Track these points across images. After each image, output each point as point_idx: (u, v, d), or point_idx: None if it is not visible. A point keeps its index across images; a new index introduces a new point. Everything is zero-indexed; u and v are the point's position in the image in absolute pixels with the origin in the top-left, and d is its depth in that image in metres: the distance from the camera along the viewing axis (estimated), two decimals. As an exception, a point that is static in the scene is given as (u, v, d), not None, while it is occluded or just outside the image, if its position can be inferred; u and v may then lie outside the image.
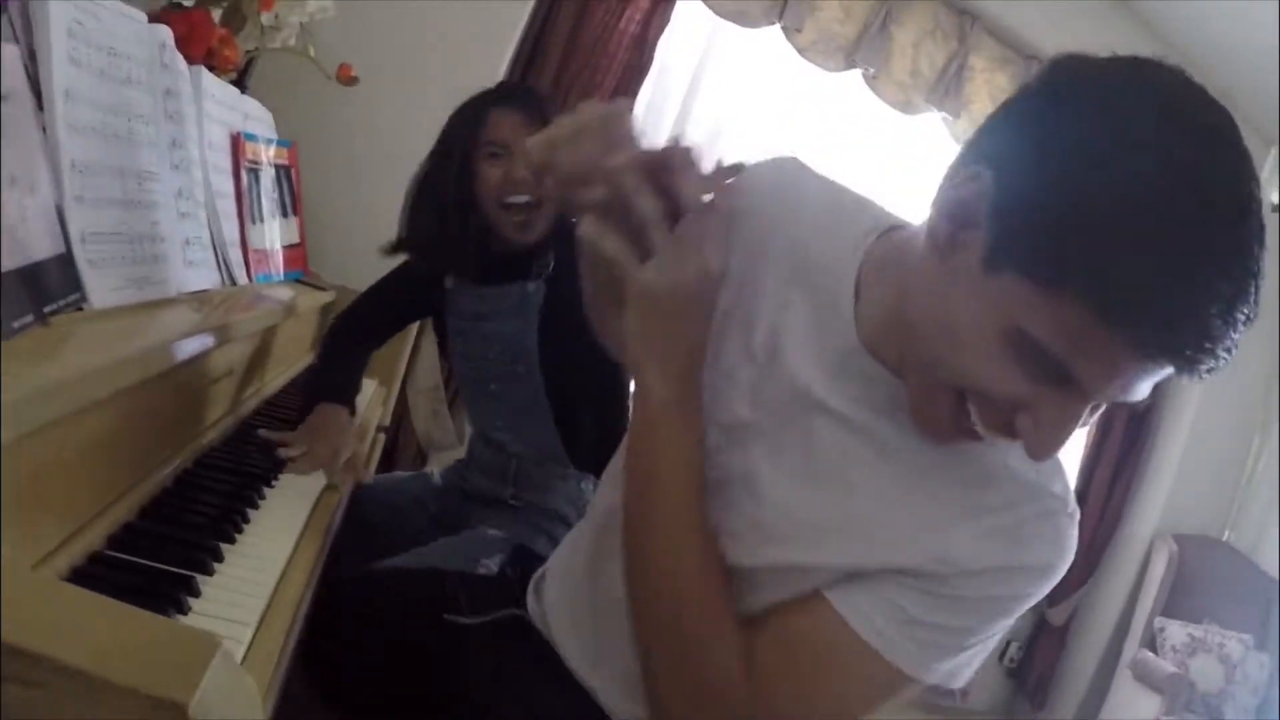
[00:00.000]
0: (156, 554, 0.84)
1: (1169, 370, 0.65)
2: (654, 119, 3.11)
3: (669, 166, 0.80)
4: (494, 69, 2.70)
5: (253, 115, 1.63)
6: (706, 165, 0.82)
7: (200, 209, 1.28)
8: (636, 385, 0.84)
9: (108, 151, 1.02)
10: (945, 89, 3.14)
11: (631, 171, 0.79)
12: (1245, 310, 0.63)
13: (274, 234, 1.61)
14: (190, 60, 1.34)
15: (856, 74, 3.12)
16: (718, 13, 2.92)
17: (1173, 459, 3.95)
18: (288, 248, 1.68)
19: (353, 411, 1.55)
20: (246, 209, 1.48)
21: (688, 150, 0.80)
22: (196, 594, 0.81)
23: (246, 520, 1.02)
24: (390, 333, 1.85)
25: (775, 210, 0.91)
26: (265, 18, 1.61)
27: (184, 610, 0.78)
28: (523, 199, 1.52)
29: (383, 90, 2.17)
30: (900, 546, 0.80)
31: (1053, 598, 4.01)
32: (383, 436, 2.13)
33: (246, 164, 1.50)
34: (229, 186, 1.44)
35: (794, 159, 0.97)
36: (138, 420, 0.93)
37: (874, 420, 0.82)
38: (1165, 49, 3.01)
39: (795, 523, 0.83)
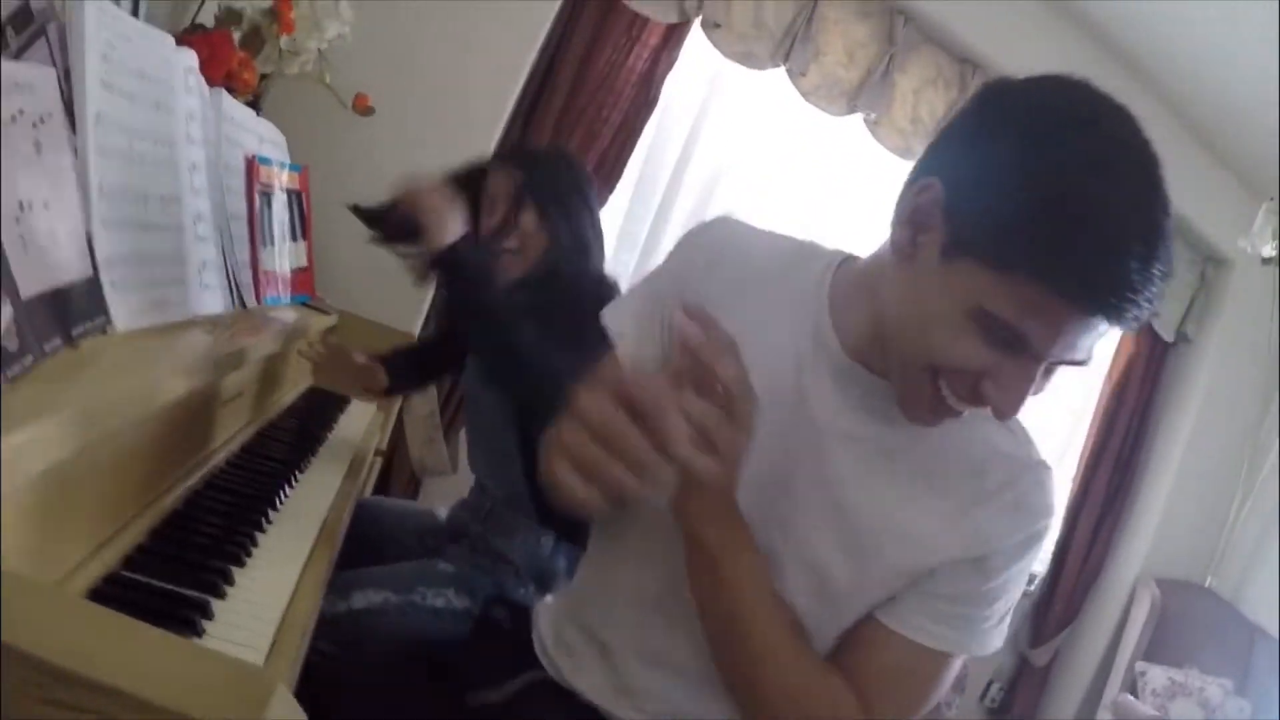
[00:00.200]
0: (168, 576, 0.85)
1: (1104, 323, 0.77)
2: (656, 155, 3.15)
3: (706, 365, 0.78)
4: (503, 103, 2.73)
5: (267, 138, 1.65)
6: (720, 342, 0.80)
7: (215, 232, 1.29)
8: (688, 537, 0.89)
9: (134, 175, 1.03)
10: (944, 136, 3.18)
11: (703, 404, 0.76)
12: (1159, 267, 0.76)
13: (284, 257, 1.62)
14: (210, 82, 1.35)
15: (857, 118, 3.16)
16: (725, 54, 2.95)
17: (1157, 505, 3.97)
18: (296, 271, 1.69)
19: (387, 382, 1.80)
20: (258, 232, 1.49)
21: (716, 343, 0.78)
22: (210, 617, 0.82)
23: (255, 544, 1.03)
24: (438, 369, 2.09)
25: (733, 265, 0.99)
26: (284, 42, 1.63)
27: (199, 633, 0.78)
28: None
29: (392, 119, 2.19)
30: (937, 543, 0.92)
31: (1035, 639, 4.03)
32: (379, 461, 2.14)
33: (260, 187, 1.51)
34: (242, 209, 1.46)
35: (728, 217, 1.07)
36: (152, 442, 0.94)
37: (881, 430, 0.93)
38: (1163, 105, 3.06)
39: (846, 583, 0.93)
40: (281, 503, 1.20)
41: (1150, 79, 3.26)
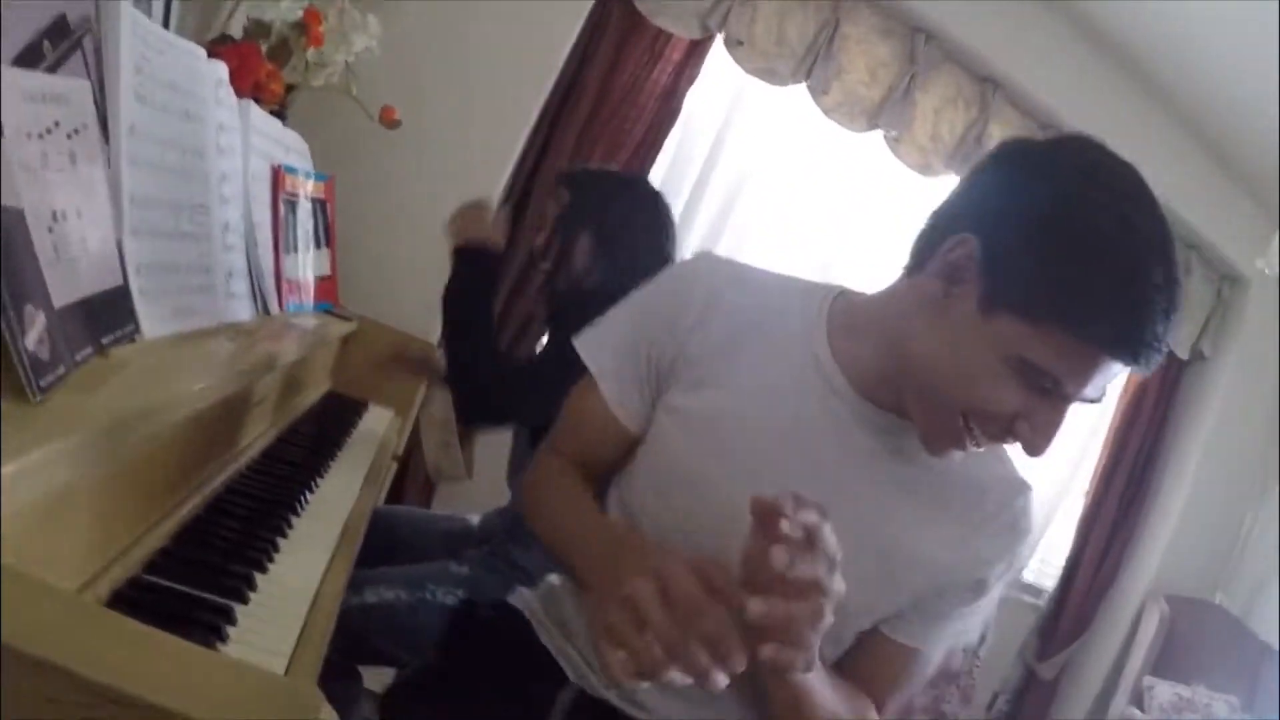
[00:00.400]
0: (192, 580, 0.86)
1: (1130, 367, 0.86)
2: (678, 169, 3.16)
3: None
4: (526, 117, 2.74)
5: (293, 148, 1.67)
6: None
7: (242, 241, 1.31)
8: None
9: (164, 185, 1.05)
10: (964, 155, 3.19)
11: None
12: (1176, 314, 0.85)
13: (307, 265, 1.64)
14: (238, 93, 1.37)
15: (877, 134, 3.16)
16: (747, 70, 2.96)
17: (1168, 520, 3.96)
18: (319, 279, 1.71)
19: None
20: (282, 240, 1.51)
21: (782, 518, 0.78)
22: (234, 622, 0.83)
23: (277, 549, 1.04)
24: None
25: (732, 304, 1.01)
26: (312, 54, 1.65)
27: (224, 639, 0.79)
28: None
29: (417, 131, 2.21)
30: (945, 565, 0.97)
31: (1043, 652, 4.01)
32: (394, 465, 2.15)
33: (285, 196, 1.53)
34: (267, 217, 1.47)
35: (711, 254, 1.12)
36: (177, 448, 0.96)
37: (890, 460, 0.97)
38: (1183, 126, 3.07)
39: (857, 605, 0.93)
40: (303, 507, 1.22)
41: (1170, 100, 3.25)
